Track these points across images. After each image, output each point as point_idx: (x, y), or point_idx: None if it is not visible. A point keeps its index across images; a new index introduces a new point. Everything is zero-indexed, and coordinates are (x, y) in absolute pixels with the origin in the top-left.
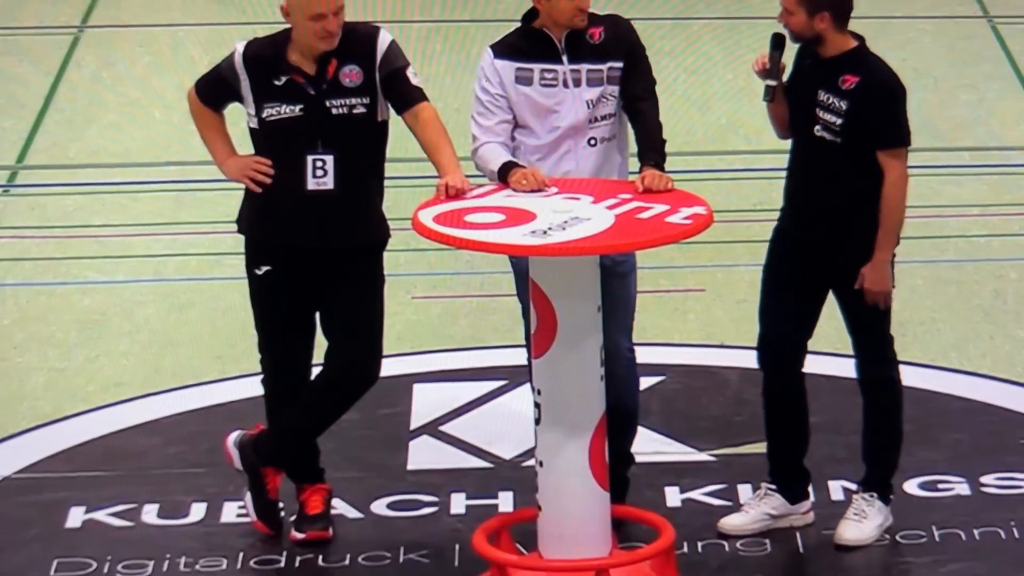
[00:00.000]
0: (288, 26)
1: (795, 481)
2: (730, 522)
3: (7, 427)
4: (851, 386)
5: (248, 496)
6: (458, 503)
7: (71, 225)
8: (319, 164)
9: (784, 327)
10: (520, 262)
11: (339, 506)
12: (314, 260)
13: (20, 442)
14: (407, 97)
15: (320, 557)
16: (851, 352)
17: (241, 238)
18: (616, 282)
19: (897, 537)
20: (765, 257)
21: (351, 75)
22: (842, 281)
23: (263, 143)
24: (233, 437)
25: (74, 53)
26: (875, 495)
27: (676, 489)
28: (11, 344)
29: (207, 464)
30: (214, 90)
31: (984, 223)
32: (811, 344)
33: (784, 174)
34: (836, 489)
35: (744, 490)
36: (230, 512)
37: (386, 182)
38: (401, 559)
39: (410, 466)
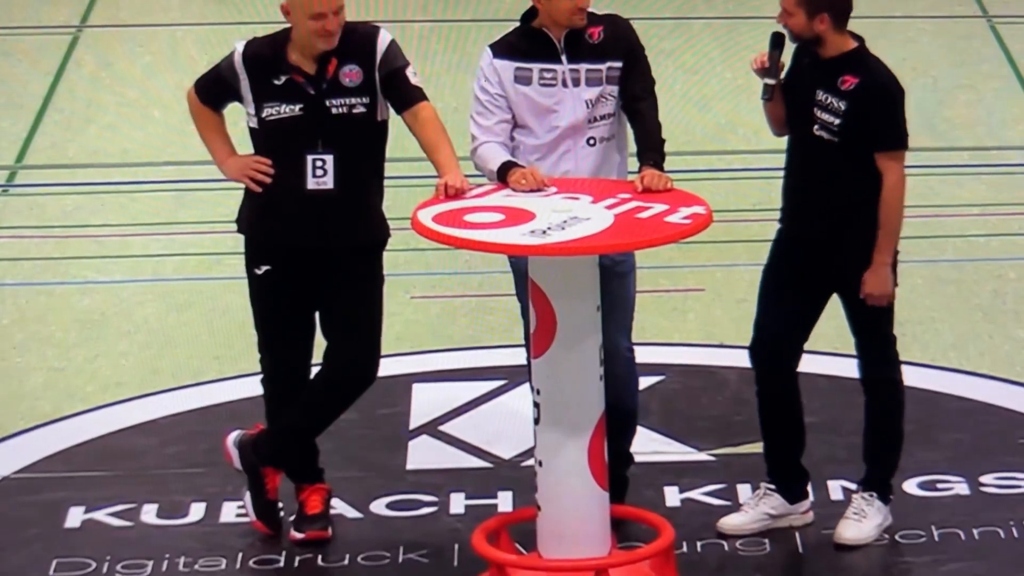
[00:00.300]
0: (288, 26)
1: (794, 481)
2: (729, 522)
3: (6, 427)
4: (851, 386)
5: (247, 496)
6: (457, 503)
7: (70, 225)
8: (319, 164)
9: (781, 327)
10: (519, 262)
11: (338, 506)
12: (314, 260)
13: (19, 442)
14: (407, 97)
15: (319, 557)
16: (851, 352)
17: (240, 238)
18: (615, 282)
19: (896, 537)
20: (767, 257)
21: (351, 75)
22: (843, 282)
23: (263, 143)
24: (233, 437)
25: (73, 53)
26: (875, 495)
27: (675, 489)
28: (10, 344)
29: (206, 464)
30: (213, 90)
31: (983, 223)
32: (811, 344)
33: (783, 173)
34: (835, 489)
35: (743, 490)
36: (229, 512)
37: (386, 182)
38: (400, 559)
39: (409, 466)
